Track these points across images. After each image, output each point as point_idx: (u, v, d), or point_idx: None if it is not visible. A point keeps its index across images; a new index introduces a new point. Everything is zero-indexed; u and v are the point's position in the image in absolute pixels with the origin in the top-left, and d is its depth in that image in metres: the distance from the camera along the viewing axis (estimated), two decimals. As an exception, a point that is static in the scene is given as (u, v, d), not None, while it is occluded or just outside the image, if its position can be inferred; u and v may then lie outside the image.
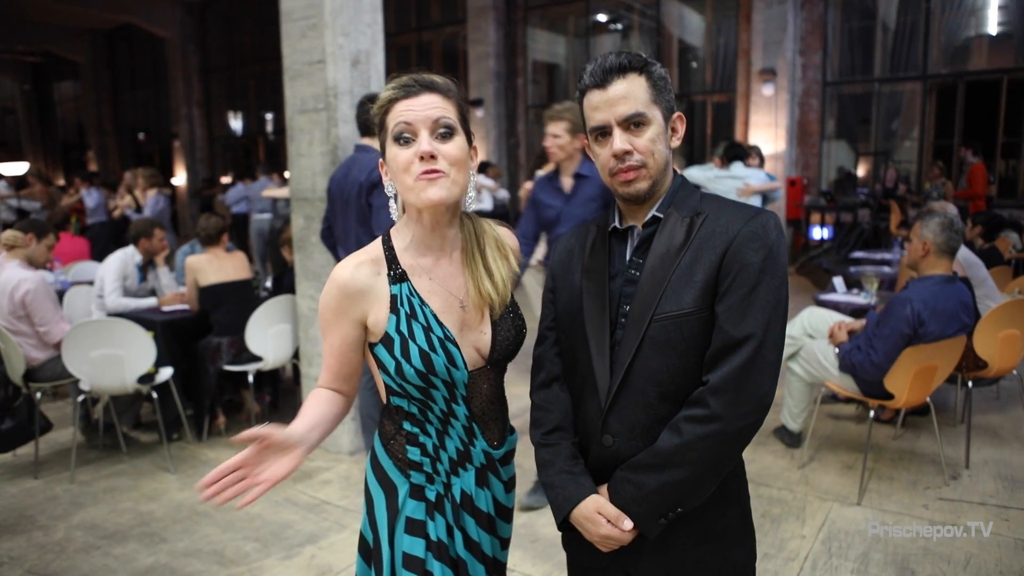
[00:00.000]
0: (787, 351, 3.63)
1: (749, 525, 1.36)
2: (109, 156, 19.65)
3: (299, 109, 3.68)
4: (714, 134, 11.27)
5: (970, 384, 3.53)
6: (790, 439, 3.70)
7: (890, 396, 3.11)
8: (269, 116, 16.71)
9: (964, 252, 3.96)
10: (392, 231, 1.32)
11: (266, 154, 16.92)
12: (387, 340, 1.24)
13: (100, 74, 19.56)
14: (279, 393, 4.43)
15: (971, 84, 9.20)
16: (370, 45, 3.66)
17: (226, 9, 16.59)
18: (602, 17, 12.45)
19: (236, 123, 17.50)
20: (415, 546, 1.29)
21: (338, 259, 3.44)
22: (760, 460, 3.57)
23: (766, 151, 9.84)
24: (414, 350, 1.22)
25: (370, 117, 3.19)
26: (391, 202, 1.31)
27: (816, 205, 9.35)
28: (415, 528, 1.30)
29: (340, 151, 3.56)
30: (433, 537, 1.31)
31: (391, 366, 1.24)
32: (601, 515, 1.25)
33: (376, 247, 1.30)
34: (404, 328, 1.23)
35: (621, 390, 1.26)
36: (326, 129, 3.57)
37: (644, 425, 1.25)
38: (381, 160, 1.28)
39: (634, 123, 1.23)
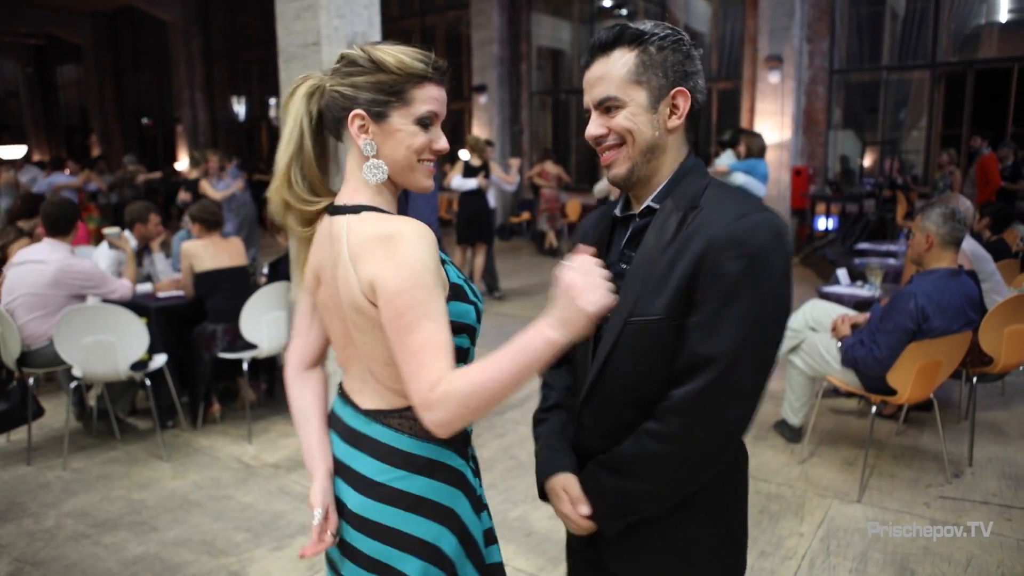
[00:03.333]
0: (788, 344, 3.58)
1: (731, 546, 1.25)
2: (112, 140, 19.59)
3: (294, 93, 3.61)
4: (719, 122, 11.15)
5: (974, 380, 3.46)
6: (790, 434, 3.65)
7: (893, 392, 3.06)
8: (272, 101, 16.59)
9: (971, 244, 3.89)
10: (377, 202, 1.19)
11: (269, 139, 16.85)
12: (456, 290, 1.17)
13: (103, 57, 19.46)
14: (275, 381, 4.39)
15: (981, 73, 9.06)
16: (366, 27, 3.59)
17: (229, -7, 16.45)
18: (607, 2, 12.30)
19: (239, 108, 17.40)
20: (494, 553, 1.32)
21: None
22: (760, 455, 3.52)
23: (771, 140, 9.71)
24: (470, 292, 1.21)
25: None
26: (375, 162, 1.16)
27: (822, 195, 9.25)
28: (490, 537, 1.32)
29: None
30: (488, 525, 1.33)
31: (471, 314, 1.19)
32: (566, 493, 1.24)
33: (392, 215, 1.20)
34: (454, 274, 1.19)
35: (594, 389, 1.21)
36: (321, 114, 3.50)
37: (610, 427, 1.20)
38: (358, 111, 1.15)
39: (606, 107, 1.16)
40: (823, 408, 4.07)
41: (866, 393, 3.18)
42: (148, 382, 3.66)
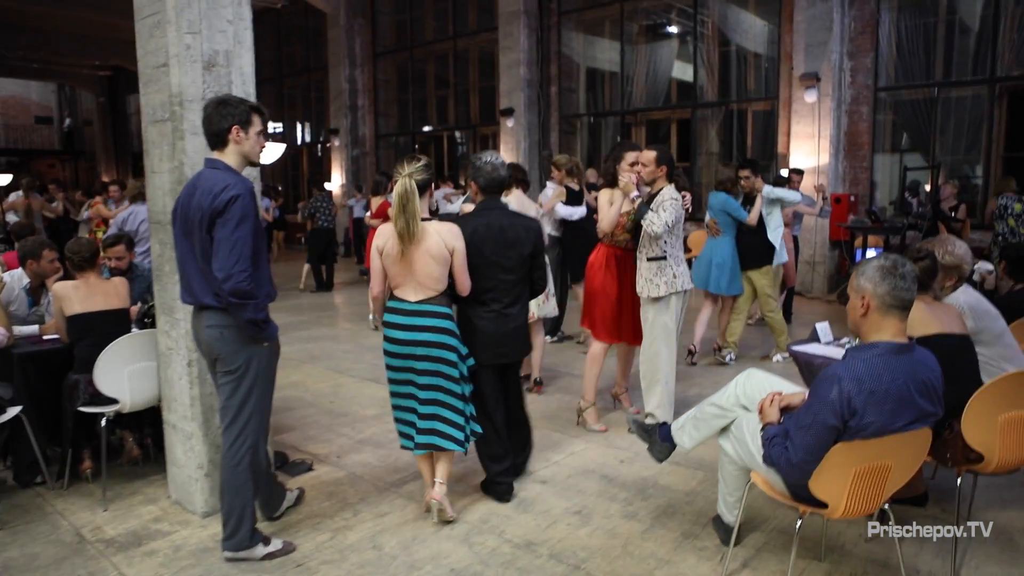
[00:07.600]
0: (718, 424, 2.86)
1: None
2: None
3: (151, 119, 3.22)
4: (754, 145, 10.28)
5: (959, 480, 2.65)
6: (724, 533, 2.92)
7: (824, 504, 2.31)
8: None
9: (972, 297, 3.07)
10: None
11: (309, 165, 17.00)
12: None
13: (164, 86, 20.21)
14: (161, 434, 3.96)
15: (1051, 88, 7.92)
16: (231, 45, 3.15)
17: (275, 22, 16.74)
18: (645, 20, 11.64)
19: (290, 132, 17.65)
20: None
21: (182, 300, 2.92)
22: (681, 562, 2.81)
23: (807, 164, 8.83)
24: None
25: (223, 126, 2.68)
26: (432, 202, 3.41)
27: (859, 225, 8.25)
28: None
29: (188, 168, 3.06)
30: None
31: None
32: None
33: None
34: None
35: None
36: (172, 142, 3.08)
37: None
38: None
39: None
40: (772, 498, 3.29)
41: (794, 503, 2.44)
42: (-12, 439, 3.30)
